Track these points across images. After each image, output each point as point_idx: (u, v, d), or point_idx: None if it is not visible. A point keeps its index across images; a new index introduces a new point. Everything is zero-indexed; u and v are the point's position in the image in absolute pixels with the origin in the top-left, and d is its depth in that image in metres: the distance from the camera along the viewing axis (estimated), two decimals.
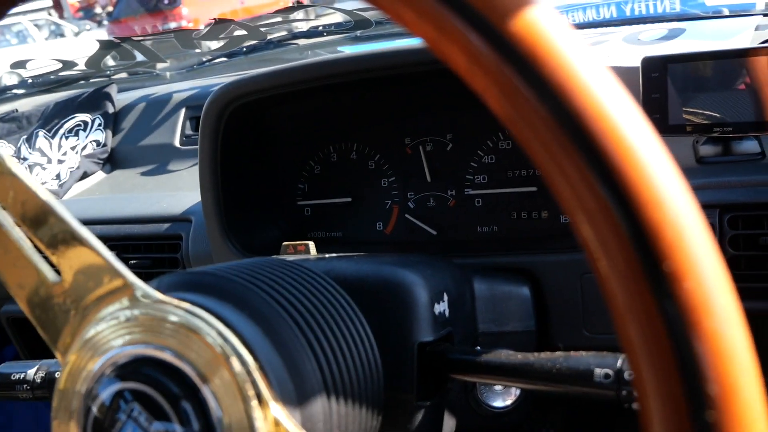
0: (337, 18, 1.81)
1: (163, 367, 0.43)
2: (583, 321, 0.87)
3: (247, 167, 1.05)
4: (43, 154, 1.56)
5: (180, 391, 0.42)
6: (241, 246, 1.03)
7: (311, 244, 0.76)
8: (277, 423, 0.41)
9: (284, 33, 1.77)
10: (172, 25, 11.76)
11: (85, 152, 1.54)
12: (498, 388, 0.81)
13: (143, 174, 1.54)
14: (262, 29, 1.70)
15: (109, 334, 0.44)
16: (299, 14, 2.00)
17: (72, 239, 0.46)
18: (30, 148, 1.57)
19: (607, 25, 1.48)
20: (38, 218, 0.46)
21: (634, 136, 0.29)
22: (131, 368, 0.43)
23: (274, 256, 0.66)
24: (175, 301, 0.44)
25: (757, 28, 1.27)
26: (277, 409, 0.42)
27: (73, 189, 1.49)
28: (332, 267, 0.63)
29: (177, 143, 1.57)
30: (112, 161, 1.60)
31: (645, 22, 1.44)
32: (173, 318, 0.43)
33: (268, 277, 0.51)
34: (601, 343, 0.84)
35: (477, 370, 0.60)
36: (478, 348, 0.71)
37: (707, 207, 0.87)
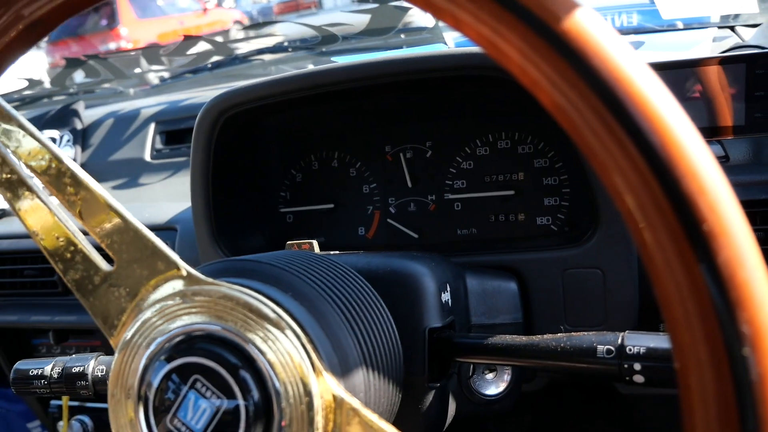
0: (301, 33, 1.85)
1: (220, 341, 0.46)
2: (564, 315, 0.93)
3: (235, 175, 1.08)
4: None
5: (239, 362, 0.45)
6: (229, 251, 1.06)
7: (315, 243, 0.79)
8: (331, 391, 0.45)
9: (250, 49, 1.80)
10: (112, 45, 11.57)
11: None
12: (489, 377, 0.86)
13: (115, 188, 1.55)
14: (228, 45, 1.73)
15: (165, 316, 0.48)
16: (239, 34, 2.04)
17: (125, 229, 0.49)
18: None
19: None
20: (93, 211, 0.49)
21: (673, 120, 0.34)
22: (189, 344, 0.46)
23: (295, 250, 0.70)
24: (227, 284, 0.48)
25: (714, 39, 1.36)
26: (329, 378, 0.46)
27: None
28: (345, 260, 0.67)
29: (147, 157, 1.59)
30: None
31: None
32: (227, 298, 0.47)
33: (302, 265, 0.55)
34: None
35: (483, 352, 0.65)
36: (479, 334, 0.75)
37: None
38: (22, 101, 1.86)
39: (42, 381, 0.74)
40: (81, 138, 1.63)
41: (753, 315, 0.33)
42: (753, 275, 0.33)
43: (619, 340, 0.58)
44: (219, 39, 1.71)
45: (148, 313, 0.48)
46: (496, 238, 1.06)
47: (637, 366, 0.57)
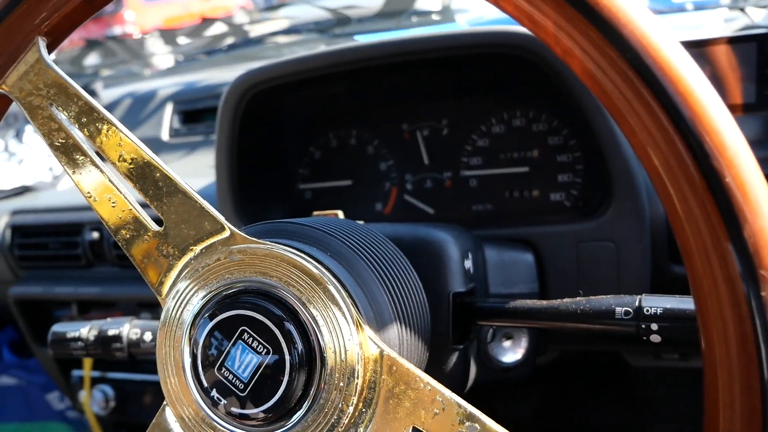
0: (314, 15, 1.87)
1: (265, 295, 0.49)
2: (578, 286, 0.96)
3: (257, 152, 1.11)
4: (31, 148, 1.59)
5: (284, 314, 0.48)
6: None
7: (340, 213, 0.82)
8: (369, 343, 0.48)
9: (264, 32, 1.82)
10: (117, 29, 11.57)
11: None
12: (506, 344, 0.89)
13: None
14: (243, 27, 1.76)
15: (212, 272, 0.51)
16: (246, 18, 2.06)
17: (174, 191, 0.52)
18: (19, 142, 1.60)
19: None
20: (143, 173, 0.52)
21: (696, 84, 0.37)
22: (235, 299, 0.49)
23: (329, 216, 0.73)
24: (269, 243, 0.51)
25: (725, 21, 1.37)
26: (369, 331, 0.49)
27: (67, 180, 1.53)
28: (380, 228, 0.70)
29: (165, 137, 1.62)
30: (99, 156, 1.63)
31: None
32: (271, 255, 0.50)
33: (339, 229, 0.58)
34: None
35: (505, 315, 0.68)
36: (501, 299, 0.78)
37: None
38: None
39: (79, 342, 0.77)
40: None
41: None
42: None
43: (637, 302, 0.61)
44: (234, 21, 1.73)
45: (196, 269, 0.51)
46: (511, 213, 1.09)
47: (654, 326, 0.60)
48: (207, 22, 1.69)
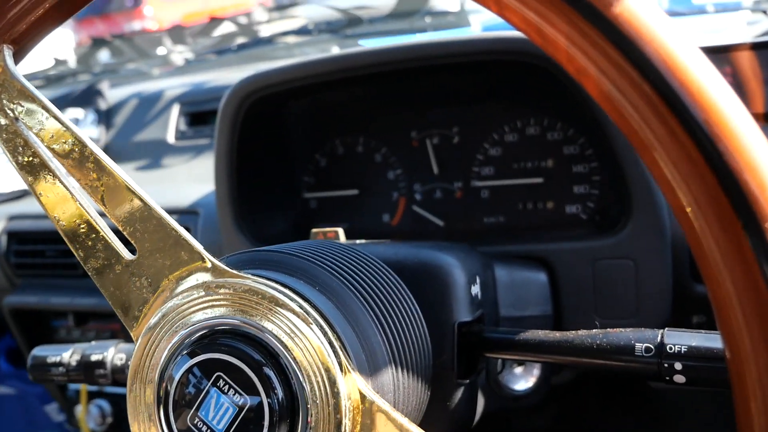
0: (326, 15, 1.83)
1: (243, 337, 0.44)
2: (595, 306, 0.90)
3: (259, 159, 1.07)
4: None
5: (262, 359, 0.43)
6: (252, 237, 1.04)
7: (341, 231, 0.78)
8: (359, 391, 0.43)
9: (275, 31, 1.77)
10: (136, 24, 11.60)
11: None
12: (518, 371, 0.83)
13: (137, 169, 1.54)
14: (253, 27, 1.71)
15: (187, 309, 0.46)
16: (263, 16, 2.01)
17: (148, 217, 0.47)
18: None
19: None
20: (115, 196, 0.47)
21: (732, 114, 0.32)
22: (212, 340, 0.45)
23: (322, 239, 0.68)
24: (252, 276, 0.46)
25: (747, 24, 1.31)
26: (358, 378, 0.44)
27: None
28: (372, 250, 0.65)
29: (170, 139, 1.58)
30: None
31: None
32: (252, 291, 0.45)
33: (330, 256, 0.53)
34: (610, 327, 0.88)
35: (514, 348, 0.63)
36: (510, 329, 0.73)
37: None
38: (47, 80, 1.85)
39: (60, 368, 0.73)
40: (105, 118, 1.62)
41: None
42: None
43: (659, 338, 0.56)
44: (244, 21, 1.69)
45: (170, 305, 0.46)
46: (524, 226, 1.04)
47: (678, 365, 0.54)
48: (216, 21, 1.65)
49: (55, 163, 0.50)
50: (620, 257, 0.89)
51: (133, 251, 0.48)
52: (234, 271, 0.46)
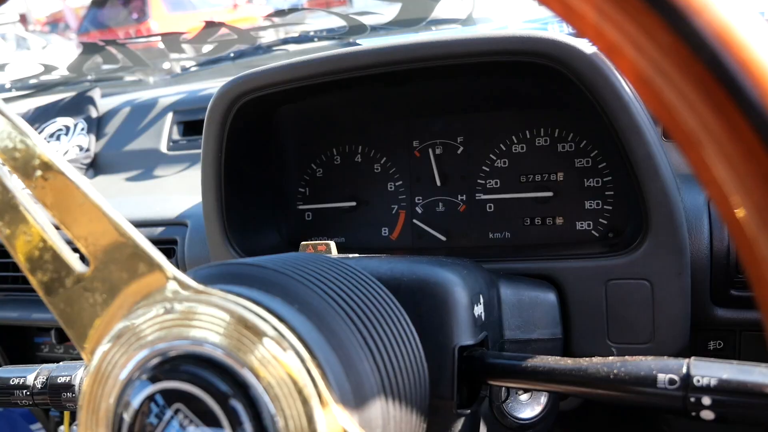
0: (327, 22, 1.78)
1: (208, 363, 0.38)
2: (607, 330, 0.84)
3: (250, 168, 1.01)
4: None
5: (229, 390, 0.37)
6: (242, 251, 0.98)
7: (332, 244, 0.71)
8: (341, 428, 0.37)
9: (274, 39, 1.72)
10: (141, 39, 11.63)
11: (68, 157, 1.48)
12: (524, 398, 0.77)
13: (128, 179, 1.48)
14: (251, 34, 1.66)
15: (145, 329, 0.40)
16: (264, 23, 1.96)
17: (102, 224, 0.41)
18: None
19: None
20: (66, 202, 0.41)
21: None
22: (171, 366, 0.38)
23: (310, 252, 0.62)
24: (220, 293, 0.39)
25: None
26: (339, 411, 0.37)
27: None
28: (365, 265, 0.59)
29: (163, 148, 1.53)
30: (95, 166, 1.54)
31: None
32: (219, 311, 0.39)
33: (313, 271, 0.47)
34: (625, 353, 0.81)
35: (521, 376, 0.56)
36: (516, 354, 0.66)
37: None
38: (36, 88, 1.80)
39: (23, 392, 0.67)
40: (96, 127, 1.57)
41: None
42: None
43: (685, 369, 0.49)
44: (242, 26, 1.63)
45: (125, 324, 0.40)
46: (532, 243, 0.97)
47: (707, 400, 0.48)
48: (212, 27, 1.59)
49: (14, 192, 0.43)
50: (635, 278, 0.82)
51: (86, 263, 0.42)
52: (200, 287, 0.40)
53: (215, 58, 1.79)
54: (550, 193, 0.97)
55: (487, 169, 1.01)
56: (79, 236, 0.41)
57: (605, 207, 0.94)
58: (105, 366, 0.41)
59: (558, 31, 1.46)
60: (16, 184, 0.43)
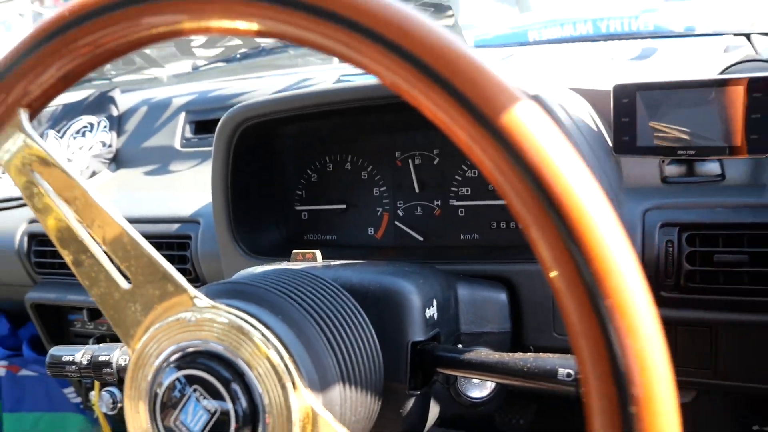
0: None
1: (216, 357, 0.54)
2: (552, 324, 1.00)
3: (253, 178, 1.16)
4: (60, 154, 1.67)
5: (231, 376, 0.53)
6: (246, 247, 1.14)
7: (318, 253, 0.87)
8: (307, 405, 0.53)
9: (277, 42, 1.86)
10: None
11: (92, 152, 1.64)
12: (476, 381, 0.93)
13: (146, 174, 1.64)
14: (255, 39, 1.80)
15: (172, 332, 0.56)
16: None
17: (140, 255, 0.57)
18: None
19: (583, 41, 1.58)
20: (114, 238, 0.57)
21: (591, 206, 0.41)
22: (191, 359, 0.54)
23: (295, 266, 0.78)
24: (224, 307, 0.55)
25: (726, 50, 1.38)
26: (307, 393, 0.53)
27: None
28: (340, 275, 0.75)
29: (177, 145, 1.68)
30: (116, 161, 1.70)
31: (620, 39, 1.53)
32: (224, 320, 0.55)
33: (294, 287, 0.63)
34: (566, 344, 0.96)
35: (460, 366, 0.72)
36: (461, 347, 0.82)
37: (668, 225, 0.98)
38: None
39: (73, 366, 0.84)
40: (117, 124, 1.73)
41: (642, 381, 0.40)
42: (647, 347, 0.40)
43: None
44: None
45: (157, 327, 0.56)
46: (496, 245, 1.13)
47: None
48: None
49: (64, 208, 0.59)
50: None
51: (129, 281, 0.58)
52: (211, 303, 0.56)
53: (224, 59, 1.94)
54: None
55: (460, 179, 1.16)
56: (123, 262, 0.57)
57: None
58: (143, 356, 0.57)
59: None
60: (77, 224, 0.59)
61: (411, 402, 0.73)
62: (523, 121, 0.42)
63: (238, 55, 1.90)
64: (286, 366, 0.53)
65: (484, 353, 0.71)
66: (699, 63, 1.34)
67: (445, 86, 0.43)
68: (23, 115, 0.59)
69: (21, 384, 1.83)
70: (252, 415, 0.53)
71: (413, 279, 0.77)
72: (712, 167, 1.05)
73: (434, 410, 0.83)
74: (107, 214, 0.57)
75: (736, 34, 1.44)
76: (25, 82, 0.58)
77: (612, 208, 0.42)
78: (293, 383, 0.53)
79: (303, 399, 0.53)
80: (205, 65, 1.96)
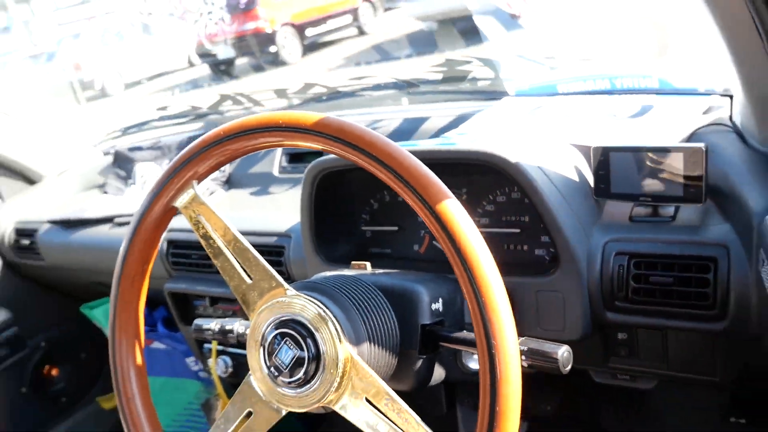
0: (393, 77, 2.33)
1: (298, 323, 0.97)
2: (538, 322, 1.38)
3: (330, 206, 1.60)
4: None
5: (306, 334, 0.96)
6: (325, 257, 1.58)
7: (368, 264, 1.29)
8: (348, 353, 0.95)
9: (354, 88, 2.30)
10: (250, 25, 12.42)
11: (211, 176, 2.13)
12: (475, 356, 1.32)
13: (252, 194, 2.12)
14: (338, 88, 2.25)
15: (274, 309, 0.99)
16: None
17: (257, 263, 1.01)
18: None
19: (601, 94, 1.88)
20: (242, 253, 1.01)
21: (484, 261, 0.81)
22: (284, 324, 0.97)
23: (351, 273, 1.20)
24: (304, 295, 0.98)
25: (706, 111, 1.63)
26: (349, 346, 0.96)
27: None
28: (376, 279, 1.15)
29: (275, 172, 2.15)
30: (229, 182, 2.19)
31: (630, 93, 1.82)
32: (304, 303, 0.97)
33: (347, 286, 1.05)
34: (547, 336, 1.33)
35: (454, 341, 1.12)
36: (464, 331, 1.22)
37: (621, 254, 1.32)
38: (186, 117, 2.47)
39: (209, 332, 1.29)
40: None
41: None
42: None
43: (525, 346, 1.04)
44: (330, 85, 2.23)
45: (267, 305, 1.00)
46: (505, 262, 1.51)
47: (524, 360, 1.03)
48: (308, 85, 2.21)
49: (215, 235, 1.04)
50: (553, 291, 1.36)
51: (251, 278, 1.02)
52: (297, 293, 0.99)
53: (313, 99, 2.40)
54: (518, 230, 1.50)
55: (481, 212, 1.55)
56: (247, 267, 1.01)
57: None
58: (258, 322, 1.01)
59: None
60: (223, 244, 1.03)
61: (420, 362, 1.13)
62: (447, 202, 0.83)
63: (324, 98, 2.36)
64: (336, 331, 0.96)
65: (471, 335, 1.11)
66: (679, 122, 1.60)
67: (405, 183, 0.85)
68: (194, 183, 1.05)
69: (153, 354, 2.35)
70: (317, 356, 0.95)
71: (425, 283, 1.17)
72: (668, 210, 1.38)
73: (440, 372, 1.23)
74: (238, 239, 1.01)
75: (722, 95, 1.71)
76: (195, 168, 1.03)
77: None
78: (340, 340, 0.95)
79: (345, 350, 0.95)
80: (298, 104, 2.42)
